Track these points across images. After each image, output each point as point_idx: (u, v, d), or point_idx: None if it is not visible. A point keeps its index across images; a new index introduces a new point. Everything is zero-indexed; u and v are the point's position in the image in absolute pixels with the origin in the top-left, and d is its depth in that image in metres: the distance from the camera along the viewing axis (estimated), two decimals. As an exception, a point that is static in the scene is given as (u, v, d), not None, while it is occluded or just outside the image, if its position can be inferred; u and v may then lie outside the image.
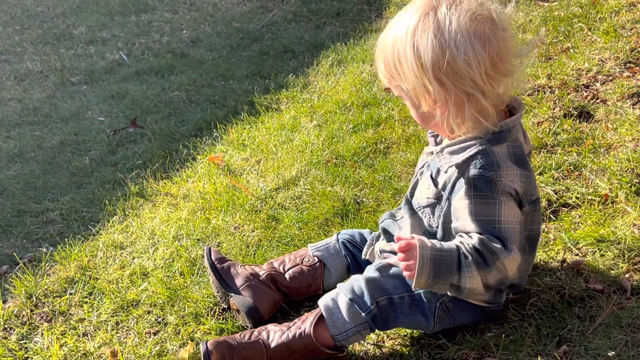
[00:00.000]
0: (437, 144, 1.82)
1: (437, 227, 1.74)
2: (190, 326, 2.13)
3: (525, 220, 1.70)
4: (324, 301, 1.84)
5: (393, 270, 1.82)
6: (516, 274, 1.68)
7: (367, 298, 1.77)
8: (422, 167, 1.84)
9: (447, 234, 1.71)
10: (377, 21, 5.35)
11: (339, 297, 1.82)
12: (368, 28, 5.18)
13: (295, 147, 3.22)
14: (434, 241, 1.62)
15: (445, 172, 1.69)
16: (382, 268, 1.84)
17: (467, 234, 1.62)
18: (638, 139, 2.51)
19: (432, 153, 1.78)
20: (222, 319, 2.14)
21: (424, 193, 1.76)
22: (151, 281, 2.38)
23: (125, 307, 2.30)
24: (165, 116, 4.27)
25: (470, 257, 1.57)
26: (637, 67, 3.13)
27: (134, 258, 2.59)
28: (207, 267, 2.19)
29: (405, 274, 1.64)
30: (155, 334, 2.15)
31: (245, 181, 3.01)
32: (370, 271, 1.84)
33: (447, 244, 1.62)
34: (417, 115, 1.70)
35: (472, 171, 1.60)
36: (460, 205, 1.63)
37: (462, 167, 1.63)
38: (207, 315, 2.17)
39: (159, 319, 2.21)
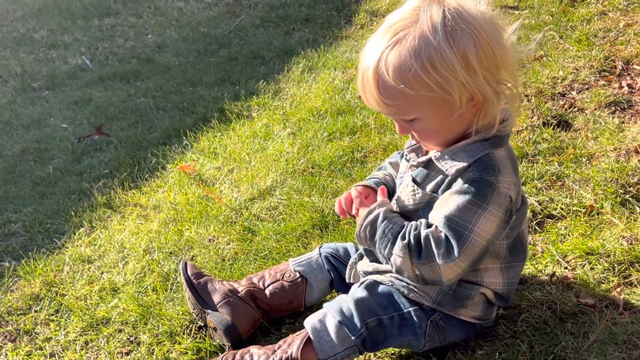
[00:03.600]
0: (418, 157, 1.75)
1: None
2: (165, 345, 2.02)
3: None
4: (310, 323, 1.74)
5: (381, 288, 1.75)
6: (454, 282, 1.63)
7: (356, 320, 1.69)
8: (403, 175, 1.78)
9: None
10: (346, 28, 5.31)
11: (327, 318, 1.72)
12: (338, 34, 5.13)
13: (270, 155, 3.13)
14: (394, 216, 1.67)
15: (440, 175, 1.62)
16: (370, 286, 1.76)
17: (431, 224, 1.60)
18: (620, 148, 2.49)
19: (416, 166, 1.70)
20: (199, 338, 2.03)
21: (409, 200, 1.69)
22: (122, 297, 2.27)
23: (95, 325, 2.19)
24: (131, 123, 4.15)
25: (406, 240, 1.58)
26: (612, 76, 3.13)
27: (102, 273, 2.48)
28: (182, 282, 2.09)
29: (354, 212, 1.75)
30: (127, 353, 2.04)
31: (218, 191, 2.91)
32: (359, 291, 1.76)
33: (401, 220, 1.65)
34: (436, 127, 1.57)
35: (473, 173, 1.54)
36: (445, 200, 1.57)
37: (466, 169, 1.55)
38: (183, 333, 2.06)
39: (131, 338, 2.10)
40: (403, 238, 1.59)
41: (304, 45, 5.02)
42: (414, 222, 1.63)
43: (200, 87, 4.60)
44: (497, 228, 1.56)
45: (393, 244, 1.61)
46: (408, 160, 1.76)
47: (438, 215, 1.57)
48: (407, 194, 1.70)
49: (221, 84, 4.62)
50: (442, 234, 1.55)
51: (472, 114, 1.54)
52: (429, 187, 1.65)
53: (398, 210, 1.72)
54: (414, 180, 1.69)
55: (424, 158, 1.68)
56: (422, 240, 1.57)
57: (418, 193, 1.67)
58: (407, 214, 1.70)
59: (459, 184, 1.56)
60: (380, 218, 1.66)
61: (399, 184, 1.79)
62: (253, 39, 5.56)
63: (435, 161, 1.62)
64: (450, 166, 1.58)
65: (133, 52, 5.71)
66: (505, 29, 1.51)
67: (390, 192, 1.84)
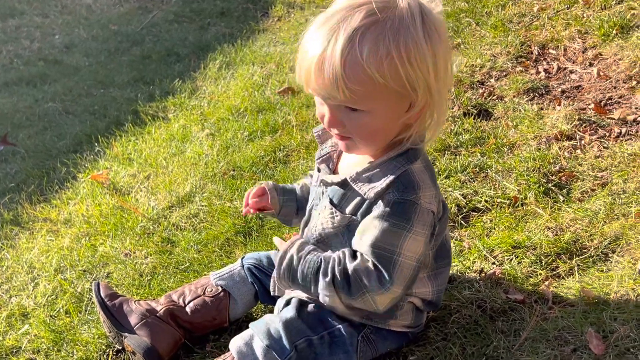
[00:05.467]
0: (331, 171, 1.66)
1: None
2: (81, 374, 1.88)
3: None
4: (236, 346, 1.63)
5: (310, 307, 1.65)
6: (387, 306, 1.53)
7: (285, 342, 1.59)
8: (314, 198, 1.69)
9: None
10: (263, 20, 5.19)
11: (253, 341, 1.62)
12: (255, 28, 5.00)
13: (188, 159, 3.00)
14: (308, 252, 1.57)
15: (358, 197, 1.53)
16: (298, 304, 1.66)
17: (355, 253, 1.52)
18: (540, 136, 2.48)
19: (331, 183, 1.60)
20: (117, 364, 1.90)
21: (327, 224, 1.60)
22: (32, 323, 2.11)
23: (4, 356, 2.03)
24: (39, 130, 3.92)
25: (329, 277, 1.49)
26: (528, 62, 3.14)
27: (10, 297, 2.30)
28: (96, 305, 1.94)
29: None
30: (39, 386, 1.89)
31: (134, 200, 2.75)
32: (287, 310, 1.66)
33: (316, 256, 1.55)
34: (379, 126, 1.44)
35: (394, 194, 1.45)
36: (368, 225, 1.49)
37: (385, 191, 1.47)
38: (99, 359, 1.92)
39: (44, 368, 1.95)
40: (325, 275, 1.50)
41: (220, 40, 4.88)
42: (336, 256, 1.53)
43: (112, 89, 4.40)
44: (424, 246, 1.50)
45: (317, 282, 1.52)
46: (319, 171, 1.68)
47: (363, 242, 1.48)
48: (325, 216, 1.60)
49: (134, 84, 4.43)
50: (370, 263, 1.47)
51: (412, 120, 1.45)
52: (348, 209, 1.55)
53: (319, 234, 1.63)
54: (331, 202, 1.59)
55: (338, 179, 1.58)
56: (350, 275, 1.48)
57: (337, 216, 1.57)
58: (327, 239, 1.62)
59: (380, 207, 1.47)
60: (295, 260, 1.57)
61: (312, 197, 1.70)
62: (167, 35, 5.37)
63: (351, 183, 1.53)
64: (369, 189, 1.48)
65: (40, 54, 5.44)
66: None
67: (302, 202, 1.82)
